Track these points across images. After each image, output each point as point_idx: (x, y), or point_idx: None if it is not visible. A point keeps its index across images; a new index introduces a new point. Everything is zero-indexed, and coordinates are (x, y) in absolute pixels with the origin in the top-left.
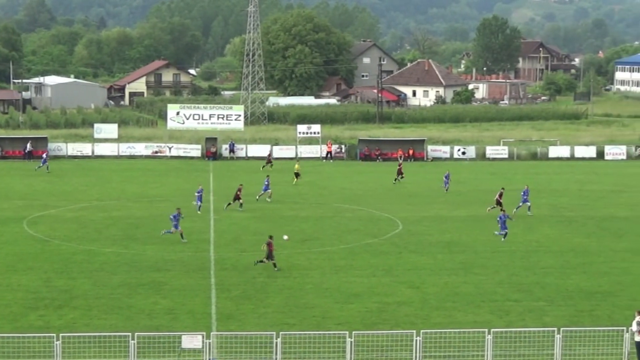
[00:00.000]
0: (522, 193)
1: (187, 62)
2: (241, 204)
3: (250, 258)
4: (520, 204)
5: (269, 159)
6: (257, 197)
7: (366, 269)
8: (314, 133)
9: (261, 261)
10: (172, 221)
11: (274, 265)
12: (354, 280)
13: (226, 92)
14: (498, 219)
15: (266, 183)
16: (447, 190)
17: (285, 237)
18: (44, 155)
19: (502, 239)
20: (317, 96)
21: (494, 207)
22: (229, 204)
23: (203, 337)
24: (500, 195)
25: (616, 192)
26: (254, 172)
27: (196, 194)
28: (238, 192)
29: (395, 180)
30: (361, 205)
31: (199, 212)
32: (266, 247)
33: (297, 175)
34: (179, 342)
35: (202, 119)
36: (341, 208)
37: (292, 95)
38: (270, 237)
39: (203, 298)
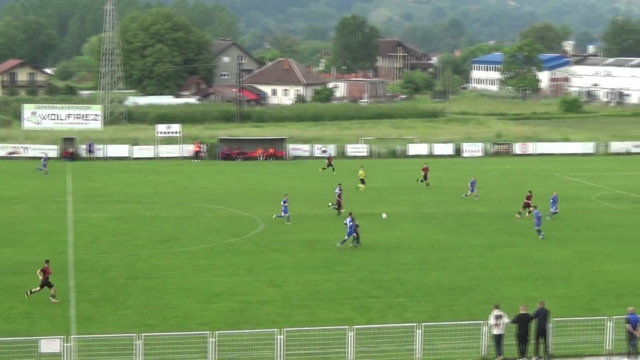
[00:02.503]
0: (551, 200)
1: (42, 61)
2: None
3: (110, 259)
4: (551, 210)
5: (329, 162)
6: (330, 204)
7: (228, 268)
8: (174, 133)
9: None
10: (347, 227)
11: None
12: (215, 280)
13: (84, 92)
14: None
15: (338, 192)
16: (470, 196)
17: (384, 215)
18: (43, 160)
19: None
20: (177, 95)
21: (521, 212)
22: (339, 210)
23: (62, 340)
24: (529, 198)
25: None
26: (113, 172)
27: (282, 203)
28: (338, 198)
29: (422, 181)
30: (222, 204)
31: (288, 223)
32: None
33: (362, 181)
34: (38, 346)
35: (59, 119)
36: (202, 208)
37: (151, 94)
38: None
39: (62, 301)
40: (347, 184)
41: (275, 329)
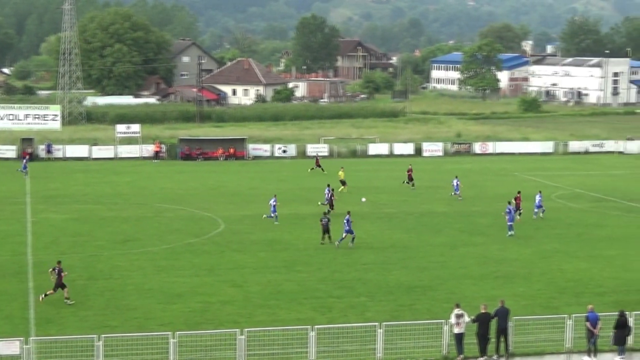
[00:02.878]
0: (537, 197)
1: (0, 60)
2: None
3: (70, 260)
4: (536, 209)
5: (317, 162)
6: (320, 203)
7: (188, 268)
8: (134, 133)
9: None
10: (345, 225)
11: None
12: (176, 281)
13: (42, 92)
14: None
15: (327, 192)
16: (457, 195)
17: (364, 199)
18: (24, 160)
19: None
20: (136, 95)
21: (520, 212)
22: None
23: (21, 342)
24: (518, 199)
25: (434, 188)
26: (73, 173)
27: (272, 202)
28: (331, 198)
29: (407, 182)
30: (182, 204)
31: (276, 223)
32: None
33: (343, 183)
34: None
35: (18, 119)
36: (162, 208)
37: (110, 94)
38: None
39: (21, 302)
40: (312, 183)
41: (237, 329)
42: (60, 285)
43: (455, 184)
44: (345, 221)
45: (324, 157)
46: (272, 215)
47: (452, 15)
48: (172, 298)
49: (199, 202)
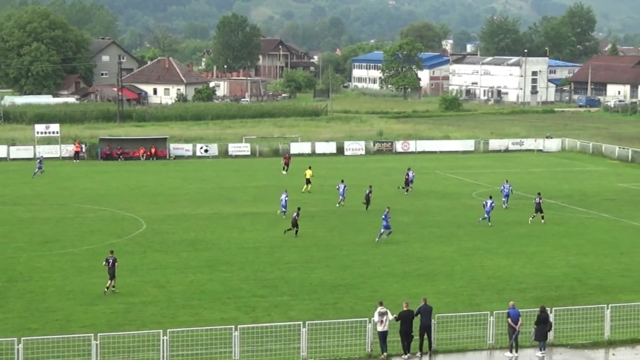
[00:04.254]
0: (506, 189)
1: None
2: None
3: None
4: (504, 199)
5: (286, 161)
6: (338, 204)
7: None
8: (53, 132)
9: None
10: (383, 221)
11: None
12: (98, 282)
13: None
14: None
15: (342, 188)
16: (408, 190)
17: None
18: (38, 162)
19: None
20: (55, 95)
21: (535, 216)
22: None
23: None
24: (539, 202)
25: (356, 187)
26: None
27: (283, 196)
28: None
29: (403, 188)
30: (104, 205)
31: (283, 217)
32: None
33: (308, 182)
34: None
35: None
36: (83, 208)
37: (28, 94)
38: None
39: None
40: (234, 182)
41: (160, 330)
42: (111, 275)
43: (410, 176)
44: (383, 216)
45: (245, 156)
46: (284, 209)
47: (373, 15)
48: (94, 299)
49: (121, 202)
